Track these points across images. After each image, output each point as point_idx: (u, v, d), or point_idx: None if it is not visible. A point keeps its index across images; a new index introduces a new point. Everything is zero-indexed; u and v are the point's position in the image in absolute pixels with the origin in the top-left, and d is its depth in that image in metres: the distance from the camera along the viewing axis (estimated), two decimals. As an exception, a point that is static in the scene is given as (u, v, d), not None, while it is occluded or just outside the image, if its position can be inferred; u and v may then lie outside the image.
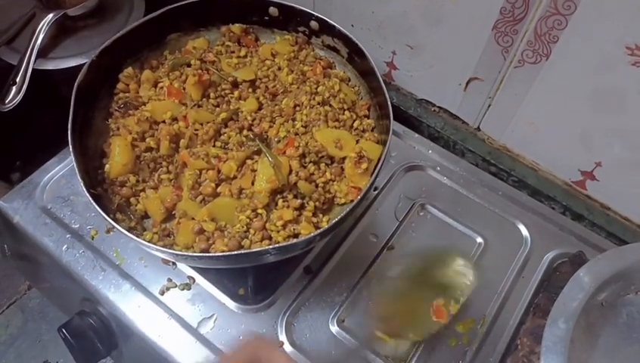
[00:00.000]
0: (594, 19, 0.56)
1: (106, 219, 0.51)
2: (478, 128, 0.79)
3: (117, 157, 0.59)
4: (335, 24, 0.67)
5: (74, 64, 0.77)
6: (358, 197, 0.54)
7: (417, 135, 0.80)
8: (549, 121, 0.70)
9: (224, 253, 0.53)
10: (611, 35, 0.56)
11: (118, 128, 0.61)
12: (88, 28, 0.82)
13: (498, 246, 0.70)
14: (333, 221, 0.53)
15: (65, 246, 0.65)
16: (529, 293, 0.65)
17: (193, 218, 0.57)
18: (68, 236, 0.66)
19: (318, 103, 0.65)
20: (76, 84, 0.59)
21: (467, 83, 0.74)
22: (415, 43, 0.75)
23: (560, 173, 0.75)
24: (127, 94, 0.64)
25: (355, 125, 0.65)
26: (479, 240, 0.70)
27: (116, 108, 0.62)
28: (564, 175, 0.74)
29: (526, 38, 0.63)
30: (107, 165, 0.59)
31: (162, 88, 0.64)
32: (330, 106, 0.65)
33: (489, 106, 0.75)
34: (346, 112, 0.65)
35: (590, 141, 0.67)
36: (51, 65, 0.77)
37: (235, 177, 0.59)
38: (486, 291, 0.66)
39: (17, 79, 0.73)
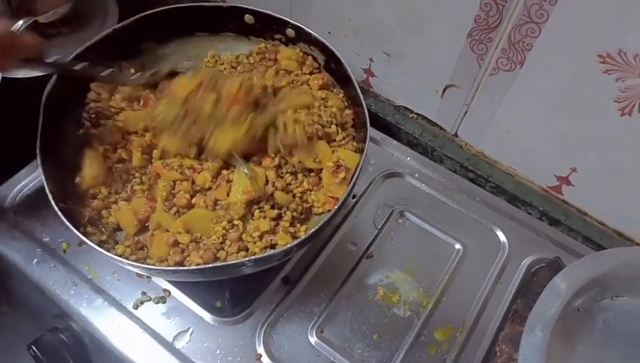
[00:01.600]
0: (567, 27, 0.57)
1: (75, 233, 0.50)
2: (456, 135, 0.80)
3: (88, 169, 0.57)
4: (311, 32, 0.66)
5: (45, 72, 0.75)
6: (336, 207, 0.54)
7: (395, 142, 0.80)
8: (525, 127, 0.70)
9: (199, 266, 0.52)
10: (583, 43, 0.57)
11: (89, 139, 0.60)
12: (60, 35, 0.80)
13: (477, 252, 0.70)
14: (311, 231, 0.52)
15: (35, 260, 0.63)
16: (508, 299, 0.66)
17: (167, 230, 0.56)
18: (38, 250, 0.64)
19: None
20: (45, 93, 0.57)
21: (444, 90, 0.74)
22: (393, 50, 0.75)
23: (536, 179, 0.75)
24: (99, 104, 0.62)
25: (337, 139, 0.63)
26: (457, 246, 0.70)
27: (87, 118, 0.61)
28: (541, 181, 0.75)
29: (500, 46, 0.64)
30: (77, 177, 0.57)
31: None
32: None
33: (466, 113, 0.75)
34: (333, 126, 0.63)
35: (565, 146, 0.68)
36: (21, 73, 0.75)
37: (210, 188, 0.58)
38: (464, 297, 0.66)
39: (-14, 88, 0.71)
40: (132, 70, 0.66)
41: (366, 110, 0.60)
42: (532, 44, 0.61)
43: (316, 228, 0.53)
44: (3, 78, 0.72)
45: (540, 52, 0.61)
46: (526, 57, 0.62)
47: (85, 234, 0.52)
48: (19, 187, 0.69)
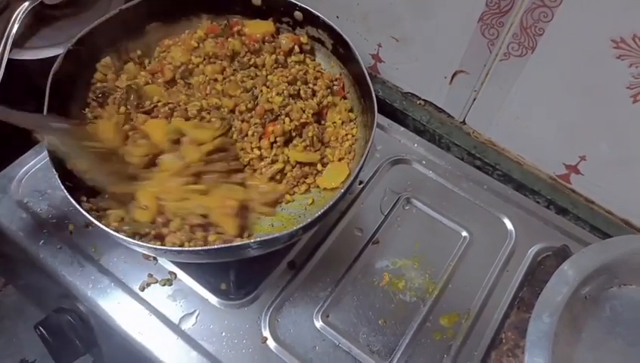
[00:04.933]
0: (580, 11, 0.56)
1: (81, 212, 0.50)
2: (464, 122, 0.79)
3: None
4: (319, 15, 0.65)
5: (52, 54, 0.74)
6: (341, 191, 0.54)
7: (402, 129, 0.80)
8: (534, 114, 0.69)
9: (204, 247, 0.51)
10: (597, 28, 0.56)
11: (95, 118, 0.59)
12: (66, 17, 0.79)
13: (483, 240, 0.69)
14: (316, 214, 0.52)
15: (42, 241, 0.64)
16: (514, 287, 0.65)
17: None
18: (45, 231, 0.64)
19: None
20: (51, 73, 0.57)
21: (453, 76, 0.73)
22: (401, 35, 0.75)
23: (545, 167, 0.75)
24: (105, 84, 0.62)
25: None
26: (464, 234, 0.70)
27: (94, 98, 0.60)
28: (549, 169, 0.74)
29: (511, 31, 0.63)
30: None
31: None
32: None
33: (475, 99, 0.74)
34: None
35: (575, 134, 0.67)
36: (27, 55, 0.75)
37: None
38: (470, 285, 0.65)
39: (-8, 69, 0.71)
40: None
41: (374, 94, 0.59)
42: (545, 28, 0.60)
43: (321, 211, 0.52)
44: (9, 60, 0.72)
45: (552, 37, 0.60)
46: (538, 43, 0.61)
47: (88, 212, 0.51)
48: (25, 168, 0.69)
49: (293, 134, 0.62)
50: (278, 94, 0.63)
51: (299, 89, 0.65)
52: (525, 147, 0.75)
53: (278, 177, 0.61)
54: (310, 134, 0.62)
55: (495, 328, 0.62)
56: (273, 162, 0.61)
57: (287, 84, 0.64)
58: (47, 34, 0.77)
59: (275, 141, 0.61)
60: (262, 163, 0.61)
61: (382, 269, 0.66)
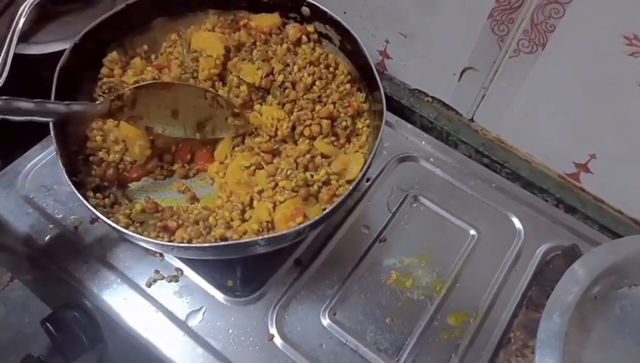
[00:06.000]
0: (592, 8, 0.55)
1: (88, 207, 0.49)
2: (472, 119, 0.78)
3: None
4: (327, 10, 0.65)
5: (58, 49, 0.74)
6: (350, 188, 0.53)
7: (410, 126, 0.79)
8: (544, 112, 0.69)
9: (211, 244, 0.51)
10: (609, 24, 0.55)
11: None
12: (72, 12, 0.79)
13: (492, 238, 0.69)
14: (323, 212, 0.52)
15: (47, 236, 0.63)
16: (522, 287, 0.65)
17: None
18: (51, 226, 0.64)
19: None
20: (57, 68, 0.57)
21: (462, 73, 0.73)
22: (409, 31, 0.74)
23: (554, 165, 0.74)
24: (111, 79, 0.62)
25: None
26: (472, 232, 0.69)
27: (100, 93, 0.60)
28: (558, 168, 0.73)
29: (522, 27, 0.62)
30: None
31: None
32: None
33: (484, 96, 0.74)
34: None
35: (585, 132, 0.66)
36: (33, 50, 0.75)
37: None
38: (478, 284, 0.65)
39: (-2, 64, 0.70)
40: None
41: (382, 91, 0.59)
42: (556, 25, 0.59)
43: (329, 209, 0.52)
44: (15, 55, 0.72)
45: (563, 34, 0.59)
46: (549, 39, 0.61)
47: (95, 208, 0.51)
48: (31, 163, 0.69)
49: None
50: (309, 74, 0.63)
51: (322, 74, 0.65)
52: (534, 145, 0.74)
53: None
54: (344, 124, 0.61)
55: (504, 328, 0.62)
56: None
57: (311, 66, 0.64)
58: (53, 29, 0.77)
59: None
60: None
61: (389, 267, 0.65)
